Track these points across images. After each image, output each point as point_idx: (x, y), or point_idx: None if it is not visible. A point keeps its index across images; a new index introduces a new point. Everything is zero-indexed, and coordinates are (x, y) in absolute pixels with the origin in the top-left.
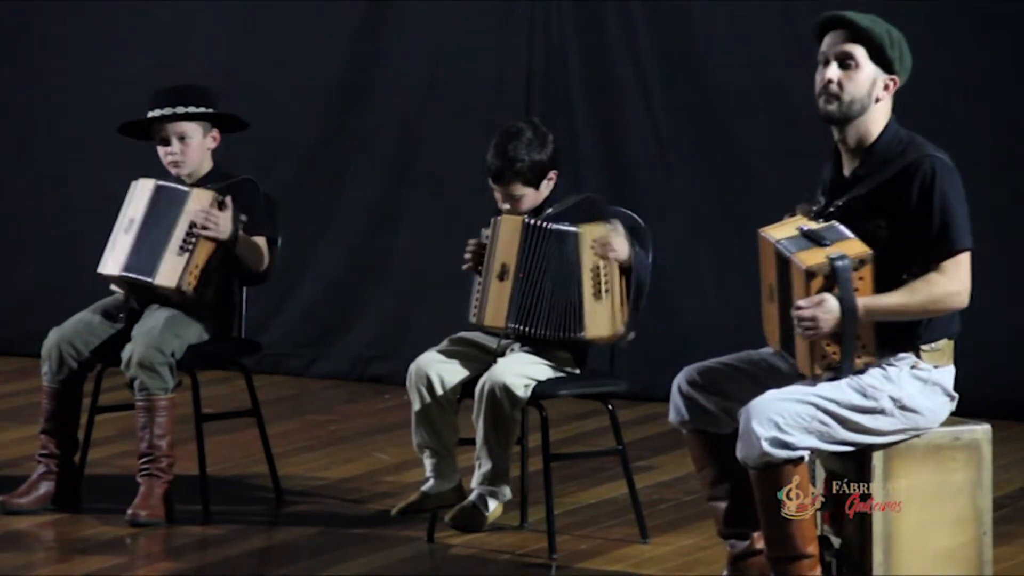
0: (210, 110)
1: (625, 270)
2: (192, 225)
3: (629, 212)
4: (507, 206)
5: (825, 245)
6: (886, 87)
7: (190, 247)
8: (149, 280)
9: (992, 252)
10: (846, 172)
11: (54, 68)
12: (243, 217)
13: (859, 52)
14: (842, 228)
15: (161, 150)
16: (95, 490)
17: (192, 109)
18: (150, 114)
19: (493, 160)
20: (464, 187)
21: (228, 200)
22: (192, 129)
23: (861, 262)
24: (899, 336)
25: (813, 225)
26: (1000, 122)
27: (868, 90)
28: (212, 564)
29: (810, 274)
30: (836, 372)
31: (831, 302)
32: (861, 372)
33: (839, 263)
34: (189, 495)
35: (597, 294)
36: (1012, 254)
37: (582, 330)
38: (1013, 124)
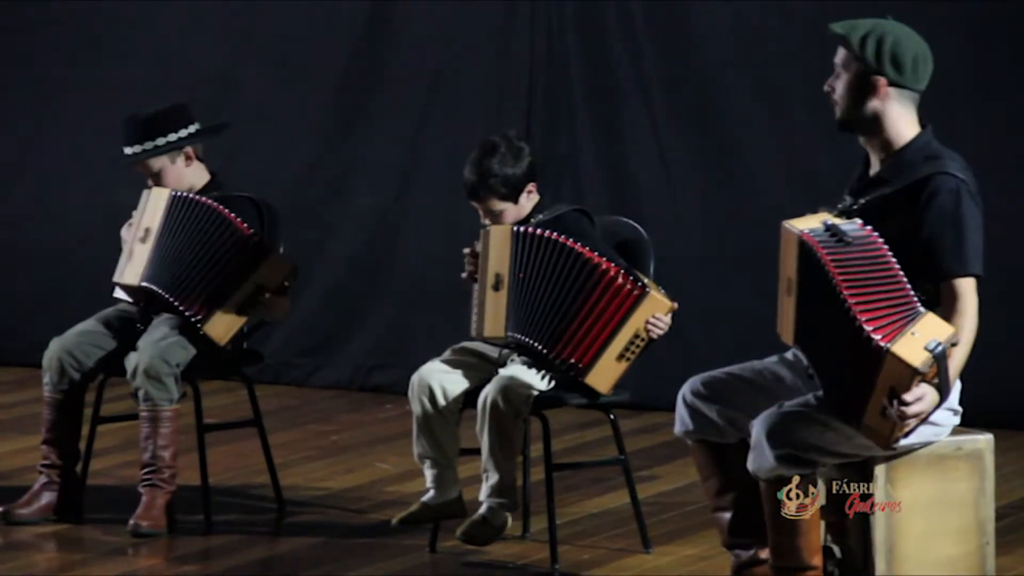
0: (170, 139)
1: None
2: (260, 292)
3: (630, 221)
4: (488, 222)
5: (900, 319)
6: (875, 88)
7: (248, 311)
8: (199, 321)
9: (994, 259)
10: (871, 172)
11: (55, 74)
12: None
13: (842, 58)
14: (866, 227)
15: None
16: (97, 501)
17: (149, 145)
18: (125, 150)
19: (468, 177)
20: (466, 195)
21: (290, 286)
22: (158, 163)
23: (953, 344)
24: None
25: (837, 220)
26: (998, 127)
27: (853, 94)
28: (214, 574)
29: (916, 372)
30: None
31: (932, 395)
32: None
33: (937, 351)
34: (191, 505)
35: (621, 357)
36: (1014, 262)
37: (586, 375)
38: (1012, 128)
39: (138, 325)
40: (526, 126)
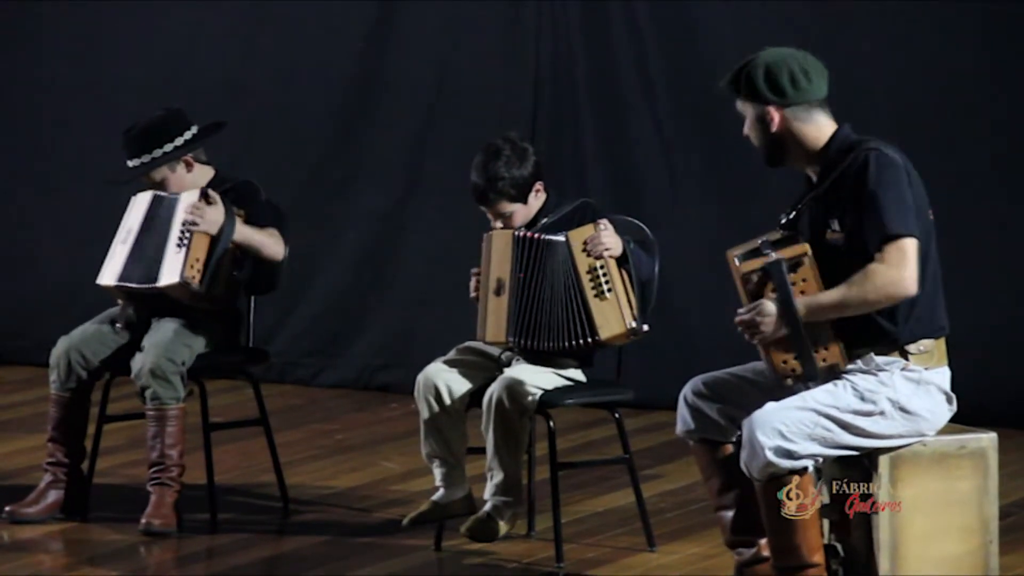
0: (167, 149)
1: (624, 265)
2: (184, 223)
3: (635, 221)
4: (499, 224)
5: (767, 254)
6: (771, 119)
7: (186, 243)
8: (155, 285)
9: (994, 259)
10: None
11: (60, 77)
12: (240, 211)
13: (738, 105)
14: (798, 237)
15: None
16: (102, 499)
17: (146, 158)
18: (127, 163)
19: (475, 182)
20: (474, 200)
21: (215, 195)
22: (159, 173)
23: (796, 264)
24: (870, 334)
25: (775, 236)
26: (1000, 127)
27: (757, 132)
28: (219, 573)
29: (745, 279)
30: (803, 379)
31: (767, 305)
32: (838, 376)
33: (771, 264)
34: (196, 504)
35: (600, 295)
36: (1014, 261)
37: (595, 334)
38: (1013, 128)
39: (116, 324)
40: (531, 126)
